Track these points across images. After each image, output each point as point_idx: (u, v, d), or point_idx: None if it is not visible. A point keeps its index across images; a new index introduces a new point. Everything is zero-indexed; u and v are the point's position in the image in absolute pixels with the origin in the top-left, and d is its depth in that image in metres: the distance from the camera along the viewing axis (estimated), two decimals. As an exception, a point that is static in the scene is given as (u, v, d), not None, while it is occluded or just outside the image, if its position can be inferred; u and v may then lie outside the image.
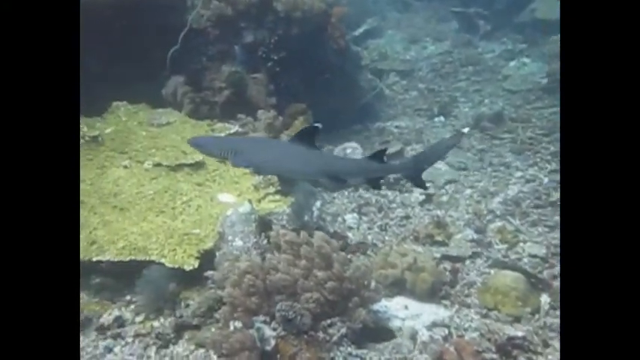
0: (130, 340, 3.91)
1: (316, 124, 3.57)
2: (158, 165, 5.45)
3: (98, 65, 6.22)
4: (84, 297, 4.20)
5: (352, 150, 7.33)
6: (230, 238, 4.47)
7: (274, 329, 3.72)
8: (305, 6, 6.90)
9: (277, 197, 5.38)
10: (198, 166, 5.59)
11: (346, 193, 6.59)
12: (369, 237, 5.72)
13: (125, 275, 4.30)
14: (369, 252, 5.29)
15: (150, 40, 6.53)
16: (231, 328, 3.81)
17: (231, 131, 6.08)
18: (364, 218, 6.11)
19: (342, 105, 8.03)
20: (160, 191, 5.12)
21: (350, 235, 5.70)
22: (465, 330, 4.29)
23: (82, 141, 5.53)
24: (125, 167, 5.36)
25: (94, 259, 4.21)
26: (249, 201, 4.78)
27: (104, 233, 4.49)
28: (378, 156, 3.69)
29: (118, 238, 4.44)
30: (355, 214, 6.14)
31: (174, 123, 6.18)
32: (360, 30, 11.64)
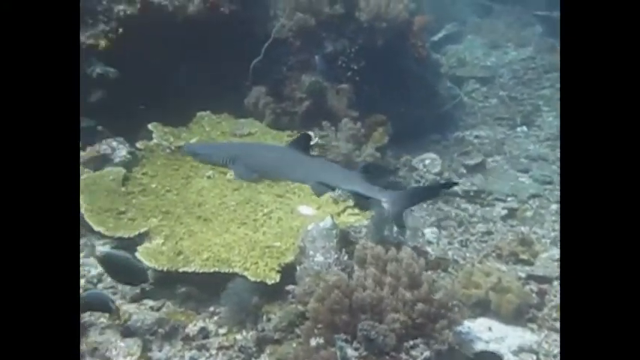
0: (214, 352, 3.98)
1: (309, 133, 3.76)
2: (240, 176, 5.53)
3: (184, 76, 6.41)
4: (169, 306, 4.31)
5: (431, 161, 7.21)
6: (311, 253, 4.47)
7: (356, 349, 3.69)
8: (389, 16, 6.85)
9: (356, 210, 5.34)
10: (278, 176, 5.63)
11: (425, 206, 6.47)
12: (450, 253, 5.59)
13: (209, 286, 4.39)
14: (450, 269, 5.17)
15: (233, 50, 6.66)
16: (313, 344, 3.81)
17: (312, 143, 6.08)
18: (444, 233, 5.99)
19: (420, 114, 7.91)
20: (241, 202, 5.20)
21: (429, 250, 5.59)
22: (555, 357, 4.10)
23: (168, 151, 5.70)
24: (209, 178, 5.48)
25: (181, 270, 4.32)
26: (331, 216, 4.77)
27: (189, 244, 4.60)
28: (369, 169, 3.72)
29: (203, 249, 4.54)
30: (435, 229, 6.03)
31: (255, 134, 6.26)
32: (440, 35, 11.40)
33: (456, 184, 4.12)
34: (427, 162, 7.18)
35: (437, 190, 3.95)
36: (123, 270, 3.97)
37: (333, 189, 3.64)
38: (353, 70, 6.95)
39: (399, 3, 6.98)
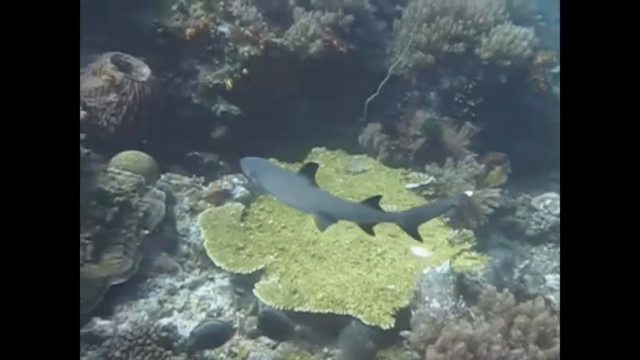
0: (327, 395, 3.97)
1: (316, 162, 3.76)
2: (354, 214, 5.54)
3: (302, 112, 6.58)
4: (285, 345, 4.36)
5: (552, 201, 6.82)
6: (427, 298, 4.36)
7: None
8: (512, 53, 6.66)
9: (473, 254, 5.15)
10: (392, 216, 5.58)
11: (545, 249, 6.13)
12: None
13: (323, 326, 4.40)
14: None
15: (349, 87, 6.75)
16: (429, 396, 3.68)
17: (426, 182, 6.00)
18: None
19: (540, 151, 7.53)
20: (355, 241, 5.19)
21: (552, 298, 5.25)
22: None
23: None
24: (323, 215, 5.52)
25: (296, 309, 4.36)
26: (449, 261, 4.63)
27: (304, 282, 4.65)
28: (373, 202, 3.53)
29: (317, 289, 4.56)
30: (558, 275, 5.67)
31: (369, 170, 6.27)
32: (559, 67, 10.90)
33: (466, 196, 3.92)
34: (548, 202, 6.81)
35: (446, 205, 3.96)
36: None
37: (335, 221, 3.52)
38: (470, 106, 6.80)
39: (523, 40, 6.76)
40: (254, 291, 4.48)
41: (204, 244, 4.94)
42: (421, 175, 6.16)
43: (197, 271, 5.04)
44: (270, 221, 5.43)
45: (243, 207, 5.47)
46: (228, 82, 6.26)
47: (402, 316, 4.36)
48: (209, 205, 5.51)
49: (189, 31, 6.16)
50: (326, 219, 3.52)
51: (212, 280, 4.97)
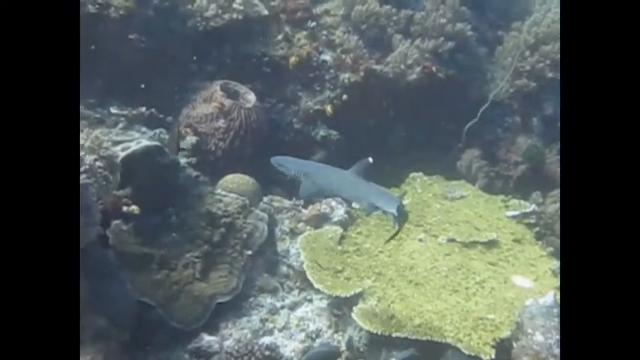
0: None
1: (369, 159, 4.30)
2: (452, 241, 5.50)
3: (399, 137, 6.65)
4: (381, 369, 4.39)
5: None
6: (529, 330, 4.22)
7: None
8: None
9: (579, 287, 4.94)
10: (491, 244, 5.48)
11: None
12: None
13: (420, 352, 4.38)
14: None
15: (447, 113, 6.74)
16: None
17: (527, 210, 5.84)
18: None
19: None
20: (453, 268, 5.15)
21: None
22: None
23: (380, 212, 5.89)
24: (420, 241, 5.53)
25: (394, 335, 4.38)
26: (554, 293, 4.48)
27: (401, 308, 4.67)
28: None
29: (415, 315, 4.57)
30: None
31: (467, 197, 6.20)
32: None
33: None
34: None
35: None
36: None
37: (378, 209, 4.28)
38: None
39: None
40: (352, 314, 4.55)
41: (304, 265, 5.09)
42: (522, 202, 6.01)
43: (296, 291, 5.20)
44: (367, 245, 5.50)
45: (340, 230, 5.59)
46: (329, 108, 6.44)
47: (503, 348, 4.27)
48: (308, 227, 5.67)
49: (292, 59, 6.42)
50: (373, 208, 4.29)
51: (310, 301, 5.11)
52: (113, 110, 5.85)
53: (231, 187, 5.57)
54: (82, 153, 3.75)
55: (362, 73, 6.41)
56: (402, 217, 4.20)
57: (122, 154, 4.67)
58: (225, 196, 5.43)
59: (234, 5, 6.18)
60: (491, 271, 5.17)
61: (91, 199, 3.68)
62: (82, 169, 3.63)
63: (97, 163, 3.97)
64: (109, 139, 4.88)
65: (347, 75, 6.40)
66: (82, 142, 4.06)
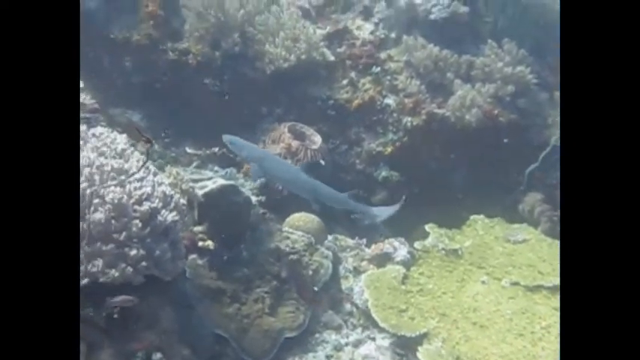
0: None
1: (321, 161, 5.15)
2: (515, 284, 5.52)
3: (460, 180, 6.75)
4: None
5: None
6: (599, 378, 4.21)
7: None
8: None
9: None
10: (556, 289, 5.46)
11: None
12: None
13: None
14: None
15: (509, 156, 6.81)
16: None
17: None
18: None
19: None
20: (517, 312, 5.16)
21: None
22: None
23: (442, 252, 5.98)
24: (483, 283, 5.58)
25: (459, 377, 4.44)
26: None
27: (466, 350, 4.72)
28: (352, 195, 5.31)
29: (480, 358, 4.61)
30: None
31: (530, 240, 6.21)
32: None
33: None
34: None
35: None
36: None
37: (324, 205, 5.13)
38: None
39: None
40: (418, 354, 4.63)
41: (368, 304, 5.21)
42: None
43: (360, 329, 5.31)
44: (430, 286, 5.58)
45: (403, 270, 5.69)
46: (390, 150, 6.63)
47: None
48: (371, 266, 5.81)
49: (357, 102, 6.67)
50: (319, 203, 5.23)
51: (374, 339, 5.20)
52: (188, 150, 6.21)
53: (298, 225, 5.78)
54: (167, 190, 4.03)
55: (424, 117, 6.59)
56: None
57: (201, 192, 4.95)
58: (292, 233, 5.64)
59: (302, 51, 6.50)
60: (557, 317, 5.15)
61: (179, 234, 3.95)
62: (170, 206, 3.91)
63: (182, 201, 4.25)
64: (185, 177, 5.20)
65: (409, 118, 6.60)
66: (165, 179, 4.37)
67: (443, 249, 6.03)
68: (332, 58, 6.74)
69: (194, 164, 6.13)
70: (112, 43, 6.45)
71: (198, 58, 6.52)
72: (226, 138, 5.20)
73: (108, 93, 6.39)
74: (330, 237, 6.03)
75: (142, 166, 3.56)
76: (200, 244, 5.01)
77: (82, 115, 4.68)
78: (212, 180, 5.32)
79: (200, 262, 4.99)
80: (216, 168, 6.22)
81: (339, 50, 6.85)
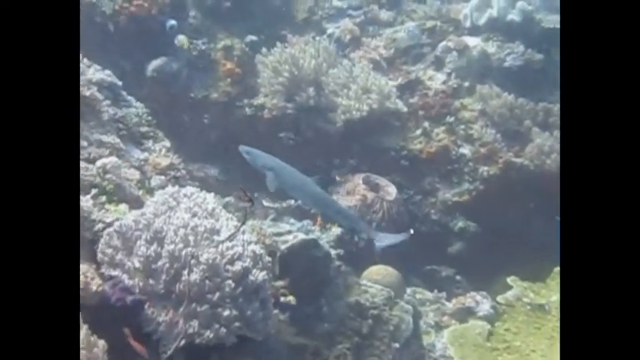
0: None
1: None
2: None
3: (541, 231, 6.54)
4: None
5: None
6: None
7: None
8: None
9: None
10: (655, 347, 5.14)
11: None
12: None
13: None
14: None
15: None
16: None
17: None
18: None
19: None
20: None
21: None
22: None
23: (527, 307, 5.74)
24: (573, 340, 5.30)
25: None
26: None
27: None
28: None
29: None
30: None
31: (621, 294, 5.90)
32: None
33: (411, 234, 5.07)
34: None
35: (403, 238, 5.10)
36: None
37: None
38: None
39: None
40: (511, 418, 4.42)
41: (453, 362, 5.05)
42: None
43: (444, 388, 5.14)
44: (518, 343, 5.35)
45: (488, 326, 5.49)
46: (466, 200, 6.52)
47: None
48: (453, 321, 5.65)
49: (430, 152, 6.63)
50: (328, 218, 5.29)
51: (460, 398, 5.01)
52: (265, 203, 6.30)
53: (377, 279, 5.71)
54: (257, 248, 4.06)
55: (500, 165, 6.47)
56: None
57: (283, 247, 4.98)
58: (371, 287, 5.57)
59: (374, 102, 6.55)
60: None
61: (268, 293, 3.96)
62: (260, 264, 3.93)
63: (268, 258, 4.27)
64: (267, 232, 5.25)
65: (485, 167, 6.49)
66: (248, 235, 4.40)
67: (528, 304, 5.79)
68: (404, 109, 6.75)
69: (270, 217, 6.20)
70: (193, 101, 6.71)
71: (273, 112, 6.67)
72: (243, 149, 5.15)
73: (188, 149, 6.61)
74: (408, 290, 5.92)
75: (242, 225, 3.61)
76: (282, 299, 5.01)
77: (171, 174, 4.84)
78: (292, 234, 5.34)
79: (282, 317, 4.98)
80: (292, 220, 6.25)
81: (411, 101, 6.87)
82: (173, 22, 6.49)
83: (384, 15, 7.47)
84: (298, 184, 5.17)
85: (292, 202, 6.35)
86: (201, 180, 6.43)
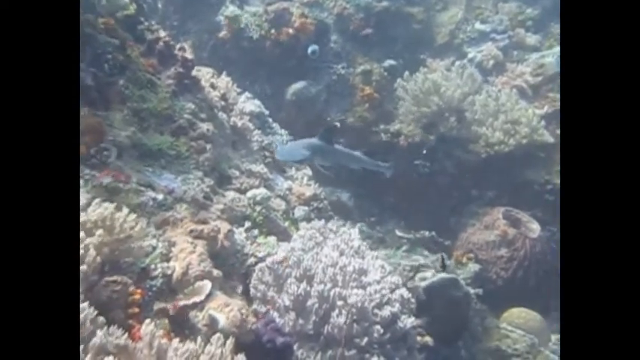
0: None
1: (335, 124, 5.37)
2: None
3: None
4: None
5: None
6: None
7: None
8: None
9: None
10: None
11: None
12: None
13: None
14: None
15: None
16: None
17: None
18: None
19: None
20: None
21: None
22: None
23: None
24: None
25: None
26: None
27: None
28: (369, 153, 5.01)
29: None
30: None
31: None
32: None
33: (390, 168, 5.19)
34: None
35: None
36: None
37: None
38: None
39: None
40: None
41: None
42: None
43: None
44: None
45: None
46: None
47: None
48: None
49: (578, 187, 6.14)
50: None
51: None
52: (398, 232, 6.14)
53: (518, 323, 5.36)
54: (405, 293, 3.90)
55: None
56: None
57: (422, 285, 4.80)
58: (512, 331, 5.23)
59: (522, 135, 6.19)
60: None
61: (415, 339, 3.81)
62: (407, 309, 3.78)
63: (411, 300, 4.12)
64: (403, 265, 5.09)
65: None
66: (396, 277, 4.25)
67: None
68: (551, 139, 6.32)
69: (403, 248, 6.03)
70: (328, 125, 6.72)
71: (409, 139, 6.52)
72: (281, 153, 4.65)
73: (321, 174, 6.63)
74: (553, 338, 5.48)
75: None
76: (418, 338, 4.82)
77: (314, 204, 4.83)
78: (430, 271, 5.15)
79: (418, 358, 4.79)
80: (425, 252, 6.05)
81: (557, 132, 6.42)
82: (315, 47, 6.54)
83: (530, 39, 7.07)
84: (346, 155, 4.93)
85: (426, 232, 6.14)
86: (334, 204, 6.41)
